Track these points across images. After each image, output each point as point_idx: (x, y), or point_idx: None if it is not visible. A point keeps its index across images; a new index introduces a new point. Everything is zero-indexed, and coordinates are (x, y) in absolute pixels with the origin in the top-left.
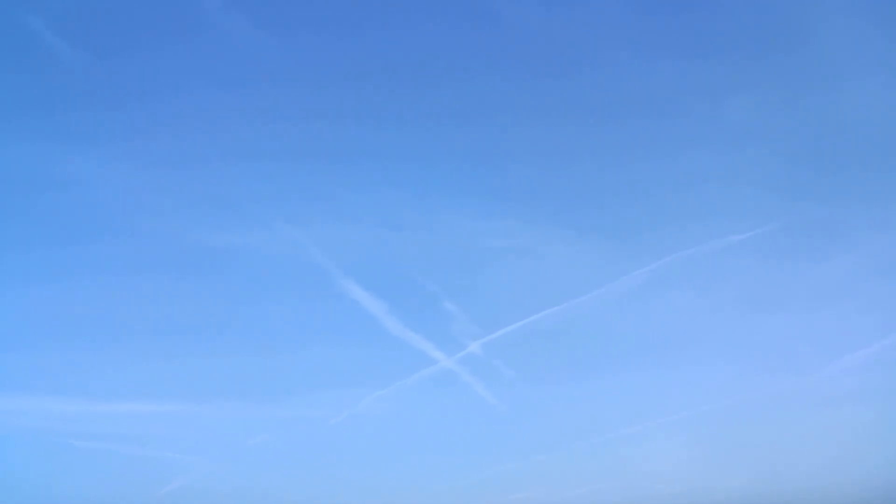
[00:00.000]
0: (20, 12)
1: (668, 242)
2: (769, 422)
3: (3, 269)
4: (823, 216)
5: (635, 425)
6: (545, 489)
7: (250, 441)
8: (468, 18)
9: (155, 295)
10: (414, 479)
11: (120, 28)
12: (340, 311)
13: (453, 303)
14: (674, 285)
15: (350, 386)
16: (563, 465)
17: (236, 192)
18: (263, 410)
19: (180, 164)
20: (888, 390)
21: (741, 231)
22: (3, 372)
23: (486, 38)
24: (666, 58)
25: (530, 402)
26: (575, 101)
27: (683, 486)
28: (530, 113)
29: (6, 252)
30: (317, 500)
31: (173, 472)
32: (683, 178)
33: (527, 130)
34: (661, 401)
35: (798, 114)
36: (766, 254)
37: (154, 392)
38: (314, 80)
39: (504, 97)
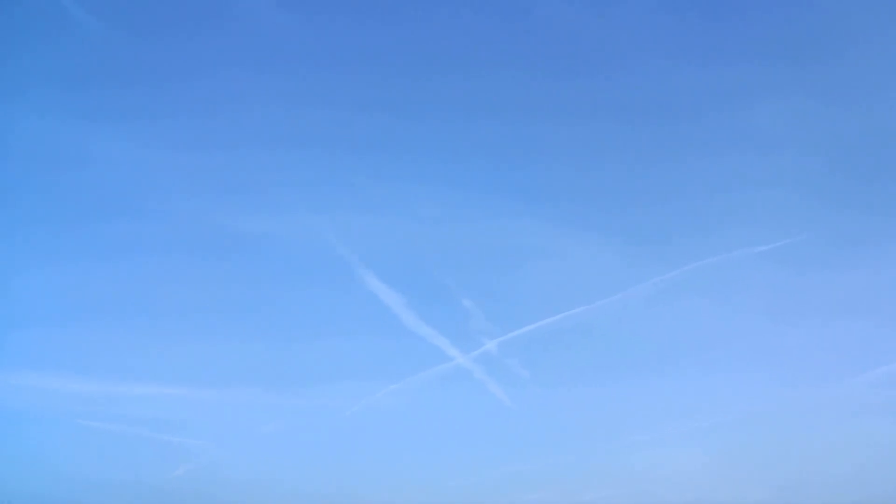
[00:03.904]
0: None
1: (692, 249)
2: (788, 434)
3: (24, 245)
4: (850, 225)
5: (650, 432)
6: (556, 492)
7: (262, 428)
8: (499, 13)
9: (172, 278)
10: (424, 475)
11: (147, 5)
12: (358, 302)
13: (471, 300)
14: (696, 292)
15: (364, 378)
16: (576, 469)
17: (259, 177)
18: (277, 398)
19: (204, 146)
20: None
21: (767, 241)
22: (15, 350)
23: (518, 34)
24: (697, 60)
25: (544, 403)
26: (604, 102)
27: (696, 495)
28: (558, 111)
29: (26, 229)
30: (326, 489)
31: (183, 456)
32: (710, 184)
33: (553, 129)
34: (677, 408)
35: (829, 122)
36: (791, 263)
37: (167, 375)
38: (342, 68)
39: (533, 94)
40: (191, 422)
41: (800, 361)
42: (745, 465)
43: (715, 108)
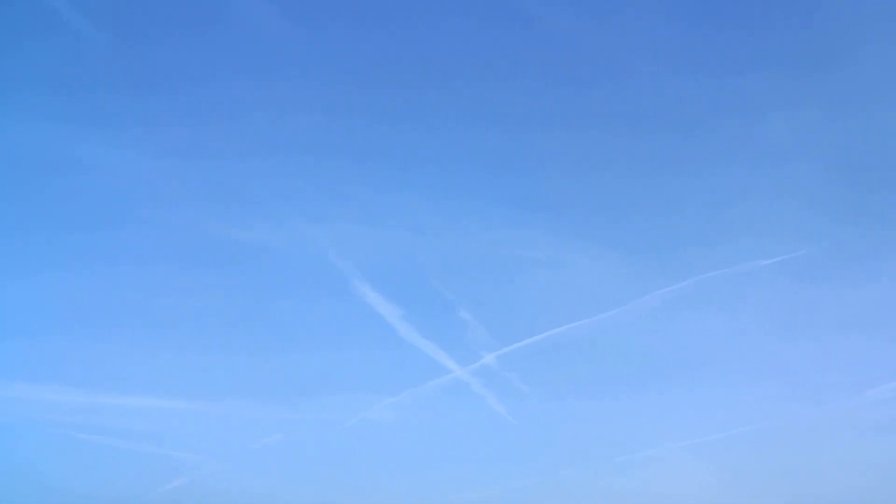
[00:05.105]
0: None
1: (696, 262)
2: (792, 449)
3: (13, 254)
4: (856, 239)
5: (652, 448)
6: None
7: (257, 441)
8: (501, 22)
9: (166, 287)
10: (422, 490)
11: (143, 10)
12: (355, 314)
13: (470, 312)
14: (700, 306)
15: (361, 391)
16: (577, 485)
17: (254, 186)
18: (272, 411)
19: (198, 154)
20: None
21: (772, 254)
22: (9, 360)
23: (519, 43)
24: (702, 71)
25: (544, 418)
26: (608, 112)
27: None
28: (561, 121)
29: (16, 237)
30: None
31: (176, 469)
32: (715, 197)
33: (556, 139)
34: (680, 424)
35: (835, 134)
36: (796, 277)
37: (161, 388)
38: (340, 76)
39: (535, 104)
40: (184, 434)
41: (804, 377)
42: (749, 480)
43: (720, 120)
